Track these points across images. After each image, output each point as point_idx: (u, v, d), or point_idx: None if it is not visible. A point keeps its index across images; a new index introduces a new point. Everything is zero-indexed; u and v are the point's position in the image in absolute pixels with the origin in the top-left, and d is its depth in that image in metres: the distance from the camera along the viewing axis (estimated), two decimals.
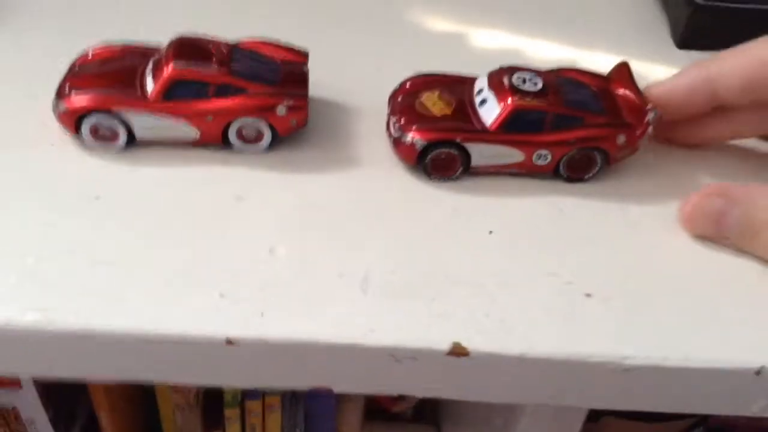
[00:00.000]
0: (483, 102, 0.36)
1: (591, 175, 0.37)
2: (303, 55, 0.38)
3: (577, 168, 0.36)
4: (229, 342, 0.29)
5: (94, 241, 0.32)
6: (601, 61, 0.44)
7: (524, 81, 0.35)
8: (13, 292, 0.29)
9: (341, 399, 0.73)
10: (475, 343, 0.30)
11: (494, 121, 0.35)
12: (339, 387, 0.32)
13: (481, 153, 0.35)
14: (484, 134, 0.35)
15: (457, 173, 0.36)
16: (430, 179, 0.36)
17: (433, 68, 0.38)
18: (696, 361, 0.30)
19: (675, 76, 0.37)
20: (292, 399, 0.65)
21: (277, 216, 0.34)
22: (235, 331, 0.29)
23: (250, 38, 0.38)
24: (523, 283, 0.32)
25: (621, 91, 0.37)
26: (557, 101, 0.35)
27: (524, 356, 0.30)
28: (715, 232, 0.34)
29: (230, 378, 0.31)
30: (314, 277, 0.31)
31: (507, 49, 0.46)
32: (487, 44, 0.47)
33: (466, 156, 0.35)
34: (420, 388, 0.32)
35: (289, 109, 0.36)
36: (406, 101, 0.37)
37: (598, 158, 0.36)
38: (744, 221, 0.33)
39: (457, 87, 0.37)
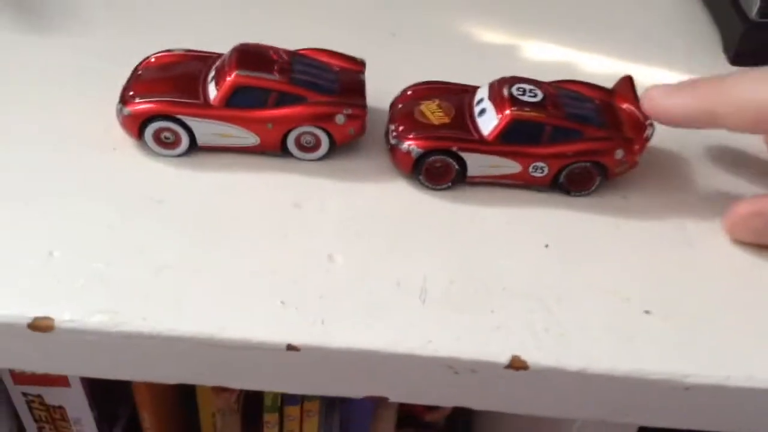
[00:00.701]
0: (482, 112, 0.36)
1: (592, 189, 0.36)
2: (360, 64, 0.39)
3: (577, 182, 0.36)
4: (291, 348, 0.29)
5: (158, 246, 0.32)
6: (656, 76, 0.44)
7: (524, 92, 0.35)
8: (81, 294, 0.30)
9: (376, 406, 0.73)
10: (534, 356, 0.30)
11: (491, 132, 0.35)
12: (396, 396, 0.32)
13: (477, 163, 0.35)
14: (481, 144, 0.35)
15: (451, 182, 0.36)
16: (426, 187, 0.36)
17: (483, 80, 0.38)
18: (759, 381, 0.30)
19: (673, 92, 0.35)
20: (329, 405, 0.65)
21: (335, 223, 0.34)
22: (297, 338, 0.29)
23: (308, 47, 0.39)
24: (581, 298, 0.32)
25: (625, 106, 0.37)
26: (557, 113, 0.35)
27: (583, 372, 0.30)
28: (756, 239, 0.34)
29: (289, 384, 0.31)
30: (372, 285, 0.32)
31: (556, 62, 0.46)
32: (540, 57, 0.47)
33: (462, 165, 0.35)
34: (477, 401, 0.32)
35: (348, 117, 0.36)
36: (405, 109, 0.37)
37: (597, 172, 0.36)
38: None
39: (458, 96, 0.37)
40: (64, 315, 0.29)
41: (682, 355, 0.30)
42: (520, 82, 0.36)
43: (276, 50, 0.37)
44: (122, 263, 0.31)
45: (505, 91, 0.35)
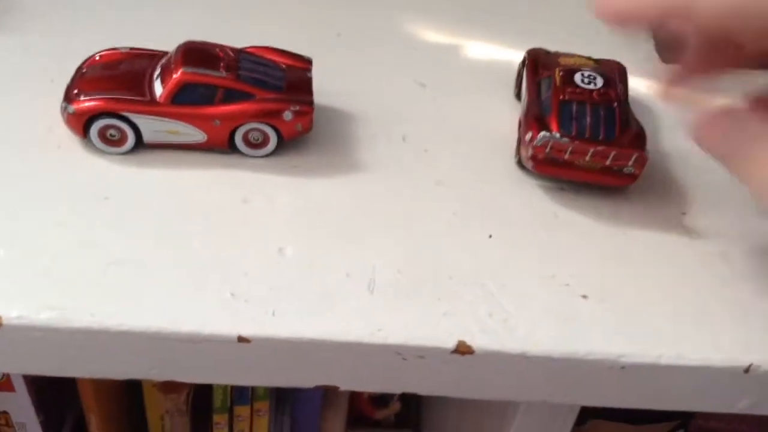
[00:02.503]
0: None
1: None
2: (307, 62, 0.39)
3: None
4: (242, 339, 0.30)
5: (106, 242, 0.32)
6: None
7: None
8: (28, 291, 0.30)
9: (325, 405, 0.74)
10: (479, 341, 0.31)
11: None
12: (346, 385, 0.32)
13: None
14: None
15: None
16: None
17: (429, 77, 0.39)
18: (688, 359, 0.31)
19: None
20: (278, 405, 0.65)
21: (284, 218, 0.35)
22: (247, 329, 0.30)
23: (255, 45, 0.39)
24: (522, 284, 0.33)
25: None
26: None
27: (525, 354, 0.31)
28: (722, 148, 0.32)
29: (241, 376, 0.32)
30: (322, 277, 0.32)
31: (500, 60, 0.47)
32: (480, 55, 0.48)
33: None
34: (426, 386, 0.32)
35: (295, 114, 0.37)
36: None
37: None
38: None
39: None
40: (11, 312, 0.29)
41: (617, 336, 0.32)
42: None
43: (222, 48, 0.37)
44: (70, 260, 0.31)
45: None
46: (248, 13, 0.49)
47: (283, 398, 0.66)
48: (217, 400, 0.59)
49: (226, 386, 0.59)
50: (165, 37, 0.38)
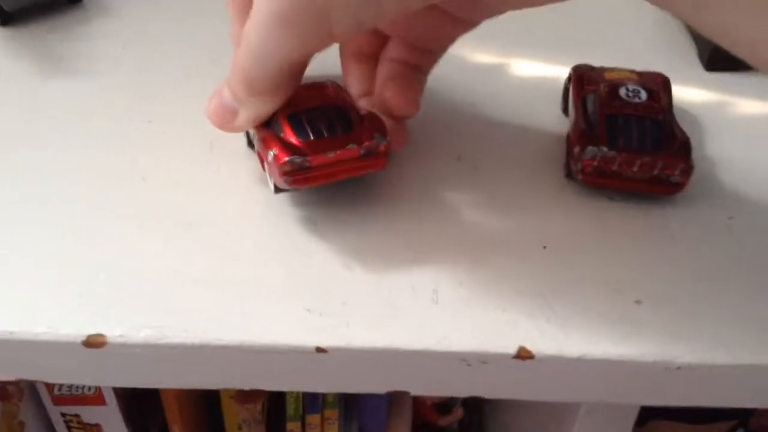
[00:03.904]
0: None
1: None
2: None
3: None
4: (320, 350, 0.33)
5: (195, 265, 0.36)
6: None
7: None
8: (129, 311, 0.33)
9: (391, 413, 0.76)
10: (538, 346, 0.33)
11: None
12: (416, 390, 0.35)
13: None
14: None
15: None
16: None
17: (478, 96, 0.41)
18: (743, 358, 0.33)
19: None
20: (347, 413, 0.68)
21: (350, 237, 0.38)
22: (324, 340, 0.33)
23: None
24: (578, 291, 0.35)
25: None
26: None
27: (583, 357, 0.33)
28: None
29: (318, 384, 0.35)
30: (389, 290, 0.35)
31: (547, 76, 0.49)
32: (527, 72, 0.50)
33: None
34: (489, 390, 0.35)
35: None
36: None
37: None
38: None
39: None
40: (115, 331, 0.33)
41: (672, 338, 0.33)
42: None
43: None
44: (163, 283, 0.35)
45: None
46: None
47: (350, 407, 0.69)
48: (290, 409, 0.63)
49: (298, 396, 0.62)
50: None
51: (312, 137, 0.36)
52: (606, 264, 0.37)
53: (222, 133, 0.43)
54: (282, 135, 0.36)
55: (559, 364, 0.33)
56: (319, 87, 0.38)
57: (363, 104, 0.40)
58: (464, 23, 0.39)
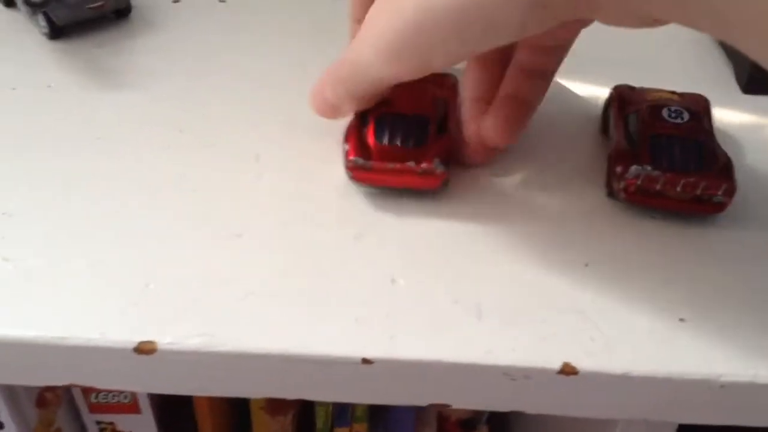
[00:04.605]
0: None
1: None
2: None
3: None
4: (366, 361, 0.33)
5: (243, 275, 0.36)
6: None
7: None
8: (178, 320, 0.34)
9: (417, 429, 0.76)
10: (583, 362, 0.33)
11: None
12: (458, 403, 0.35)
13: None
14: None
15: None
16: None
17: None
18: None
19: None
20: (375, 426, 0.69)
21: (394, 251, 0.38)
22: (370, 352, 0.33)
23: None
24: (621, 309, 0.36)
25: None
26: None
27: (627, 374, 0.33)
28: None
29: (363, 395, 0.35)
30: (433, 304, 0.35)
31: (585, 96, 0.50)
32: (566, 93, 0.51)
33: None
34: (531, 405, 0.35)
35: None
36: None
37: None
38: None
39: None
40: (165, 338, 0.33)
41: (715, 356, 0.34)
42: None
43: None
44: (213, 290, 0.35)
45: None
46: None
47: (378, 420, 0.69)
48: (320, 422, 0.63)
49: (327, 408, 0.62)
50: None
51: (386, 142, 0.39)
52: (649, 282, 0.37)
53: (269, 145, 0.44)
54: (364, 131, 0.40)
55: (602, 380, 0.33)
56: (421, 91, 0.42)
57: (468, 108, 0.42)
58: None
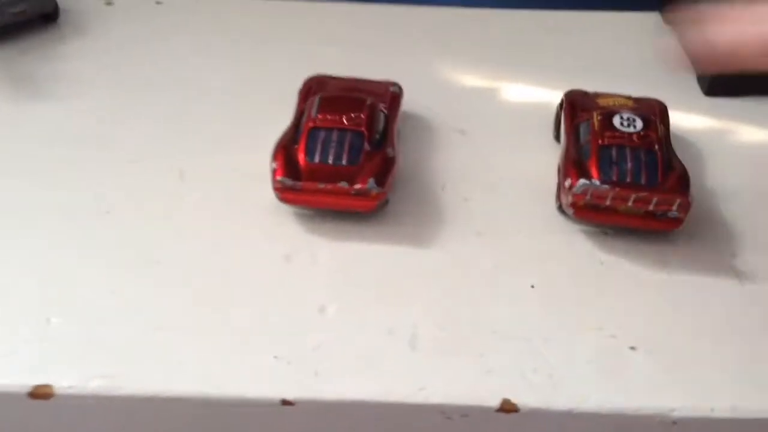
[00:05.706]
0: None
1: None
2: None
3: None
4: (285, 402, 0.30)
5: (152, 307, 0.33)
6: None
7: None
8: (79, 359, 0.31)
9: None
10: (524, 399, 0.30)
11: None
12: None
13: None
14: None
15: None
16: None
17: (468, 122, 0.39)
18: (742, 411, 0.30)
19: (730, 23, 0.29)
20: None
21: (324, 276, 0.35)
22: (291, 392, 0.30)
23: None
24: (568, 337, 0.33)
25: None
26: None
27: (572, 411, 0.30)
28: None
29: None
30: (364, 334, 0.32)
31: (539, 101, 0.47)
32: (518, 97, 0.48)
33: None
34: None
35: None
36: None
37: None
38: None
39: None
40: (63, 382, 0.30)
41: (668, 389, 0.31)
42: None
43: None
44: (119, 326, 0.32)
45: None
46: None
47: None
48: None
49: None
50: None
51: (317, 160, 0.36)
52: (599, 306, 0.34)
53: (195, 160, 0.41)
54: (294, 147, 0.37)
55: (545, 418, 0.30)
56: (357, 103, 0.39)
57: None
58: None
